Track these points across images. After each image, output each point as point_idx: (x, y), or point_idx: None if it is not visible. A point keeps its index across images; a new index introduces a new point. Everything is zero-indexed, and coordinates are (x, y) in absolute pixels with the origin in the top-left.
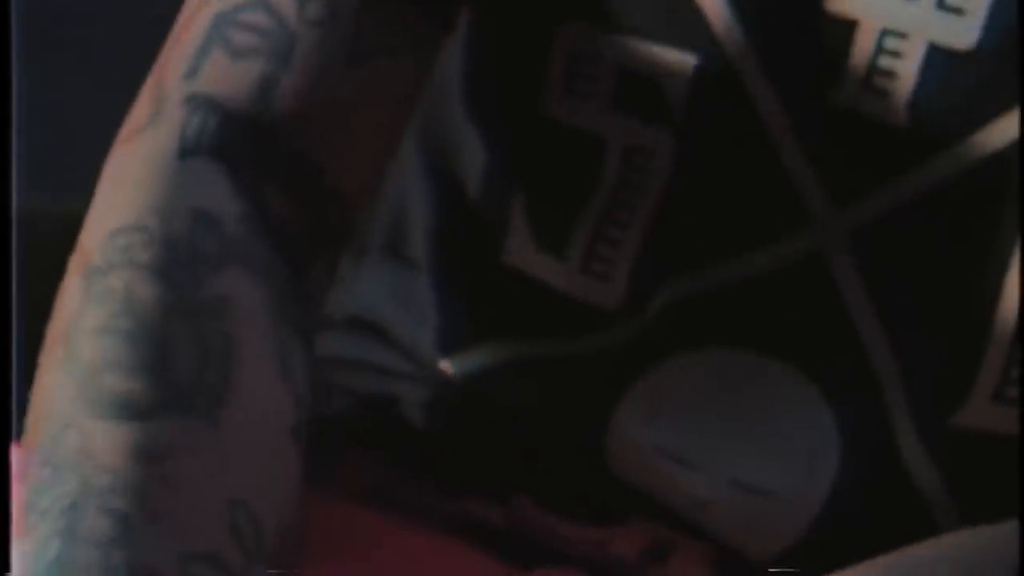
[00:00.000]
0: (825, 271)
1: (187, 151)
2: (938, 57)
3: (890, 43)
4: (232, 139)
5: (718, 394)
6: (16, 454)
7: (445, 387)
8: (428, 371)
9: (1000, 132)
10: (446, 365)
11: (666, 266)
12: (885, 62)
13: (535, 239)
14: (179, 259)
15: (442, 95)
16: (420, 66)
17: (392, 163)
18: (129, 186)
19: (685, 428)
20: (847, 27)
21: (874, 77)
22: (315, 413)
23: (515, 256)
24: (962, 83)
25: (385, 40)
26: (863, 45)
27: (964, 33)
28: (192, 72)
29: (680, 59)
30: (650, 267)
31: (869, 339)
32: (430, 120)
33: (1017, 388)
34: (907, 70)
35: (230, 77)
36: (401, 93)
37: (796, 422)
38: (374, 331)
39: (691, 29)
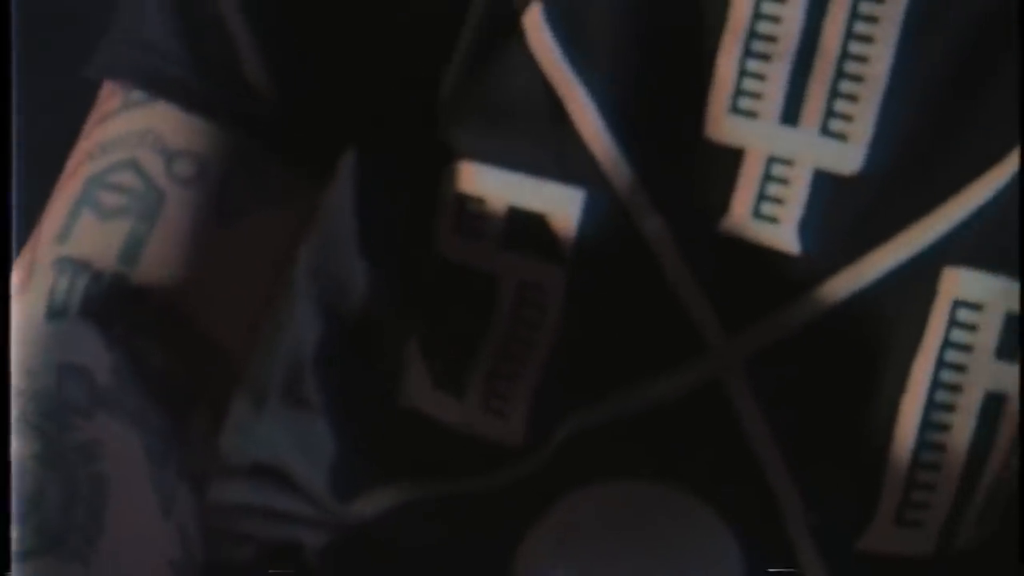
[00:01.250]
0: (723, 398)
1: (55, 312)
2: (824, 183)
3: (777, 170)
4: (101, 297)
5: (622, 525)
6: None
7: (348, 531)
8: (331, 515)
9: (887, 257)
10: (348, 508)
11: (565, 399)
12: (773, 189)
13: (432, 377)
14: (48, 410)
15: (335, 233)
16: (296, 217)
17: (283, 307)
18: None
19: (591, 561)
20: (734, 156)
21: (762, 204)
22: (223, 561)
23: (413, 395)
24: (848, 208)
25: (256, 195)
26: (750, 173)
27: (848, 159)
28: (63, 235)
29: (569, 195)
30: (549, 401)
31: (769, 465)
32: (323, 259)
33: (920, 511)
34: (794, 196)
35: (98, 237)
36: (277, 244)
37: (700, 550)
38: (277, 477)
39: (578, 165)
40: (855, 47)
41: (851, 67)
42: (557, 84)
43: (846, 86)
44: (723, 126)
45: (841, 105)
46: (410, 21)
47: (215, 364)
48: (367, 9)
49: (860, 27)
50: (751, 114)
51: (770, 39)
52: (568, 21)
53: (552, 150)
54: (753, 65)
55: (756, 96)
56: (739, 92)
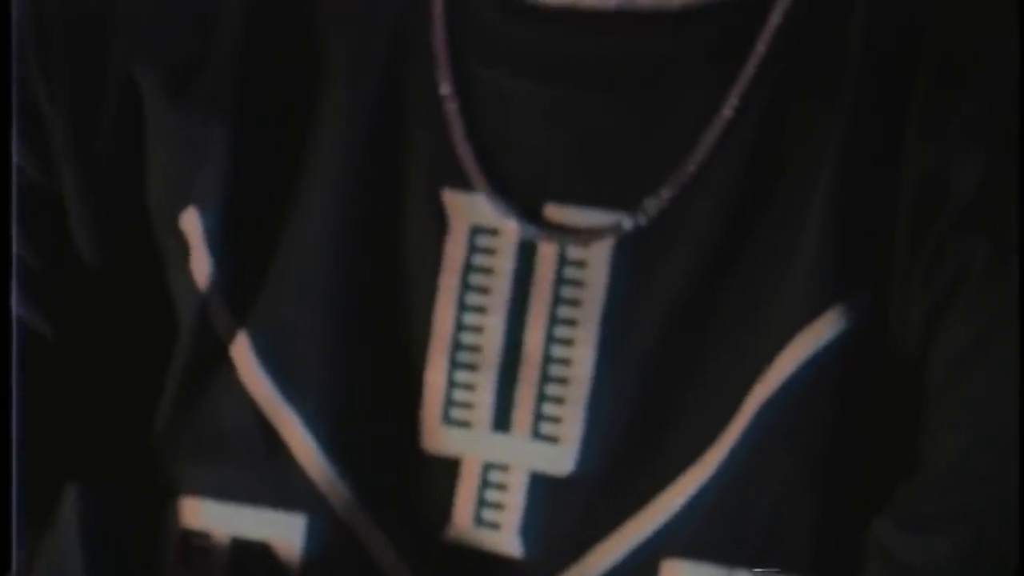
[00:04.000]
0: None
1: None
2: (540, 486)
3: (494, 477)
4: None
5: None
6: None
7: None
8: None
9: (607, 554)
10: None
11: None
12: (492, 496)
13: None
14: None
15: (63, 570)
16: None
17: None
18: None
19: None
20: (451, 466)
21: (483, 511)
22: None
23: None
24: (566, 509)
25: None
26: (468, 482)
27: (561, 460)
28: None
29: (290, 522)
30: None
31: None
32: None
33: None
34: (513, 501)
35: None
36: None
37: None
38: None
39: (297, 492)
40: (557, 350)
41: (555, 370)
42: (269, 413)
43: (552, 389)
44: (438, 437)
45: (549, 408)
46: (120, 360)
47: None
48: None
49: (560, 331)
50: (464, 423)
51: (475, 349)
52: (275, 350)
53: (270, 479)
54: (461, 375)
55: (467, 406)
56: (450, 402)
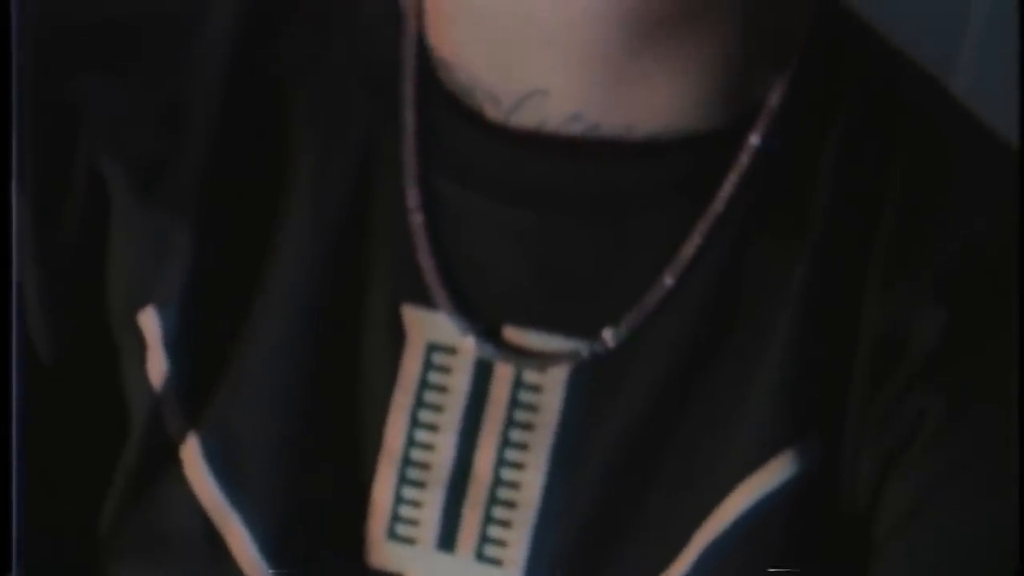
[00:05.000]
0: None
1: None
2: None
3: None
4: None
5: None
6: None
7: None
8: None
9: None
10: None
11: None
12: None
13: None
14: None
15: None
16: None
17: None
18: None
19: None
20: None
21: None
22: None
23: None
24: None
25: None
26: None
27: None
28: None
29: None
30: None
31: None
32: None
33: None
34: None
35: None
36: None
37: None
38: None
39: None
40: (507, 474)
41: (504, 493)
42: (215, 517)
43: (499, 512)
44: (382, 552)
45: (495, 531)
46: (67, 452)
47: None
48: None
49: (511, 454)
50: (408, 540)
51: (424, 466)
52: (225, 454)
53: None
54: (409, 492)
55: (412, 523)
56: (396, 518)
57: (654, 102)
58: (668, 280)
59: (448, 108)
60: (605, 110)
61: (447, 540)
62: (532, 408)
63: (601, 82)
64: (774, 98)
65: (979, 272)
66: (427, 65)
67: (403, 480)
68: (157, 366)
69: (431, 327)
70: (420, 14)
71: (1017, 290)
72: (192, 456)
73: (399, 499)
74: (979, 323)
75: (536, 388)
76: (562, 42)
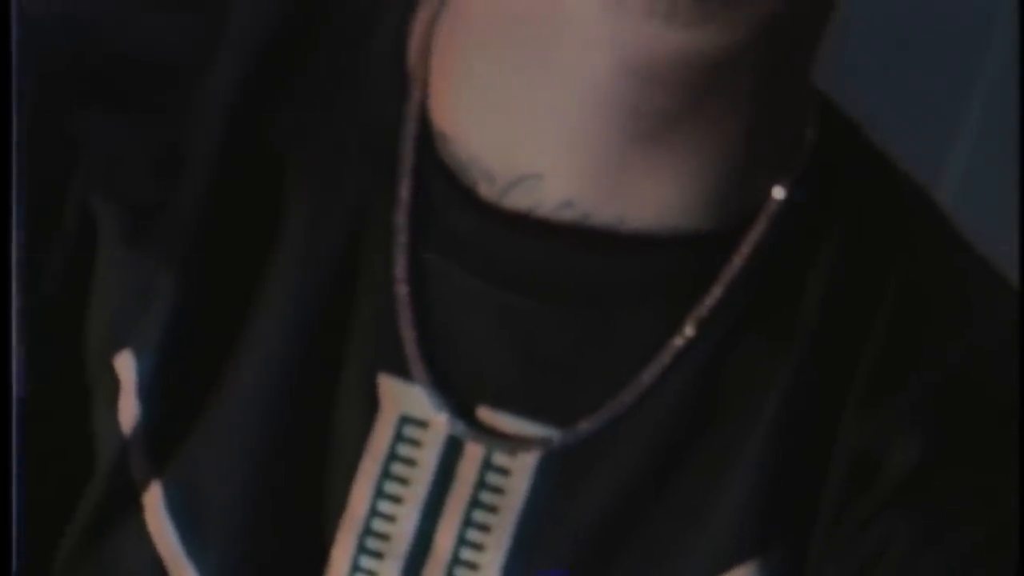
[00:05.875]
0: None
1: None
2: None
3: None
4: None
5: None
6: None
7: None
8: None
9: None
10: None
11: None
12: None
13: None
14: None
15: None
16: None
17: None
18: None
19: None
20: None
21: None
22: None
23: None
24: None
25: None
26: None
27: None
28: None
29: None
30: None
31: None
32: None
33: None
34: None
35: None
36: None
37: None
38: None
39: None
40: (466, 553)
41: (461, 572)
42: (171, 567)
43: None
44: None
45: None
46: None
47: None
48: None
49: (472, 534)
50: None
51: (384, 537)
52: (187, 505)
53: None
54: (366, 562)
55: None
56: None
57: (648, 197)
58: (647, 377)
59: (443, 181)
60: (598, 200)
61: None
62: (498, 491)
63: (596, 172)
64: (771, 205)
65: (961, 403)
66: (427, 136)
67: (362, 549)
68: (128, 410)
69: (405, 399)
70: (426, 84)
71: (1014, 422)
72: (154, 503)
73: (356, 567)
74: (956, 454)
75: (504, 471)
76: (561, 128)
